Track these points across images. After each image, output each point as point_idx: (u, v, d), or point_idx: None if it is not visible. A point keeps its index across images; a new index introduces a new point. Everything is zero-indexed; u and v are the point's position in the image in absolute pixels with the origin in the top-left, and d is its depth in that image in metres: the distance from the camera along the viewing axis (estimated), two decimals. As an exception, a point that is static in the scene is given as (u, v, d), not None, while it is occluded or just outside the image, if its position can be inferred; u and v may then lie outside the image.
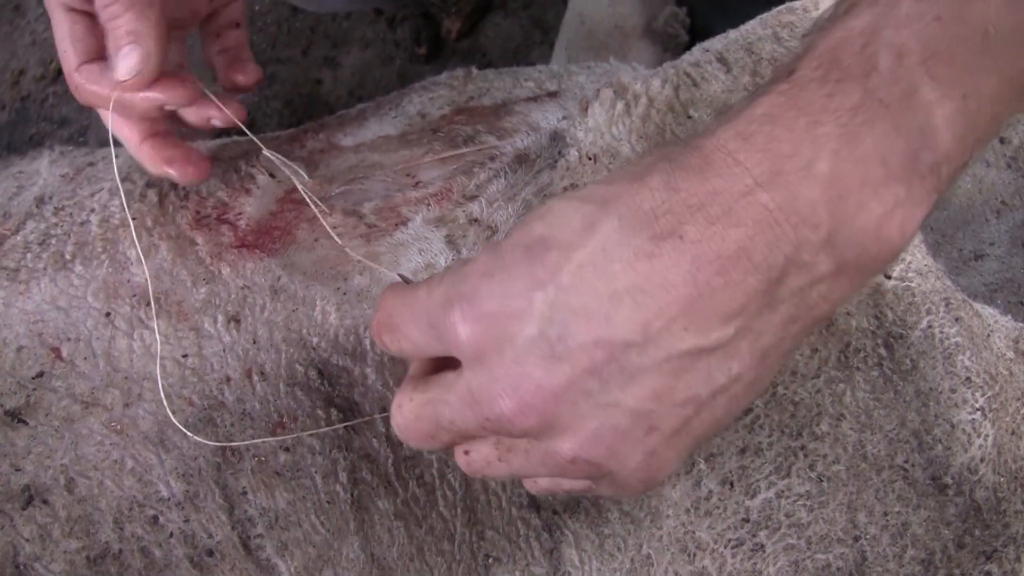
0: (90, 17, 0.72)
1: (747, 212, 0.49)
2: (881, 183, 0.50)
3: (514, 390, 0.50)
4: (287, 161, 0.76)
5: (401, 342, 0.56)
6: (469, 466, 0.58)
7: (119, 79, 0.69)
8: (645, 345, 0.49)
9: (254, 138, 0.76)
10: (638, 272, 0.49)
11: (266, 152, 0.76)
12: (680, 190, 0.50)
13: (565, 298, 0.49)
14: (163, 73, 0.71)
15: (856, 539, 0.68)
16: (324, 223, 0.72)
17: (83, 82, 0.71)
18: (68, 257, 0.72)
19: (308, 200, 0.72)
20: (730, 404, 0.53)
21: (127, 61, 0.69)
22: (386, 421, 0.67)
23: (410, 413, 0.56)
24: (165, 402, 0.65)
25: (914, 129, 0.50)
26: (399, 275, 0.62)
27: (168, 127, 0.75)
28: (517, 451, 0.55)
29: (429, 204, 0.74)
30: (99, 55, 0.72)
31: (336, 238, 0.71)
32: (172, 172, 0.73)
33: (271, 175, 0.76)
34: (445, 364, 0.55)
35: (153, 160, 0.73)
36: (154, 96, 0.71)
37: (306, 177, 0.76)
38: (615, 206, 0.51)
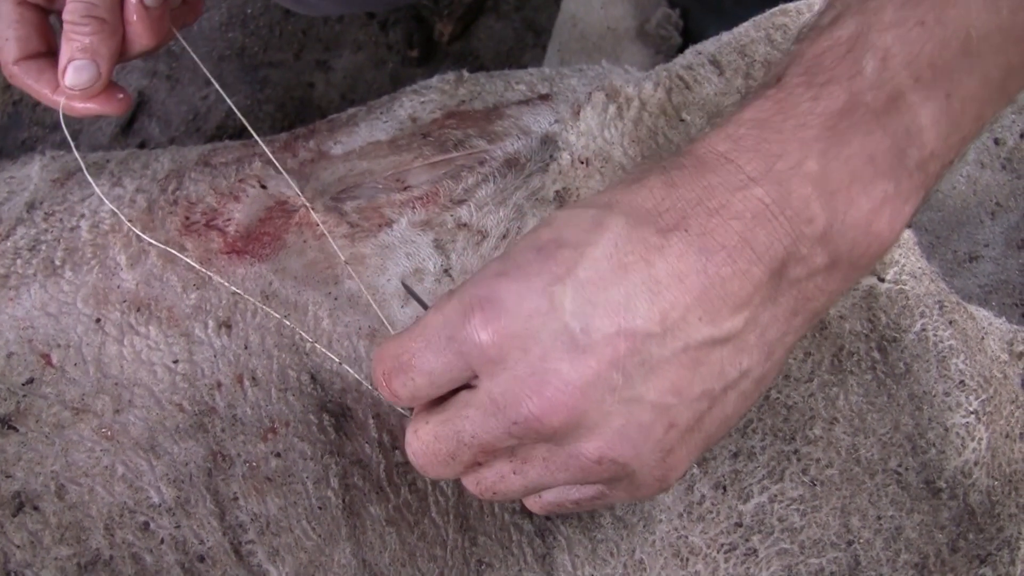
0: (41, 12, 0.74)
1: (744, 205, 0.51)
2: (870, 180, 0.52)
3: (541, 387, 0.51)
4: (292, 183, 0.75)
5: (416, 379, 0.54)
6: (480, 485, 0.57)
7: (66, 86, 0.71)
8: (664, 336, 0.51)
9: (263, 145, 0.76)
10: (651, 264, 0.50)
11: (269, 155, 0.75)
12: (678, 186, 0.52)
13: (584, 292, 0.50)
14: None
15: (849, 543, 0.68)
16: (330, 240, 0.72)
17: (20, 74, 0.73)
18: (58, 263, 0.71)
19: (315, 219, 0.72)
20: (739, 401, 0.55)
21: (80, 75, 0.71)
22: (378, 426, 0.67)
23: (428, 435, 0.55)
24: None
25: (900, 129, 0.52)
26: (403, 283, 0.62)
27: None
28: (534, 461, 0.55)
29: (415, 207, 0.74)
30: (39, 52, 0.74)
31: (339, 252, 0.71)
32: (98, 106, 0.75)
33: (262, 187, 0.76)
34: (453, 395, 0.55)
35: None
36: (92, 108, 0.74)
37: (298, 192, 0.76)
38: (619, 207, 0.52)
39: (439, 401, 0.56)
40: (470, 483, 0.58)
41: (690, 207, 0.51)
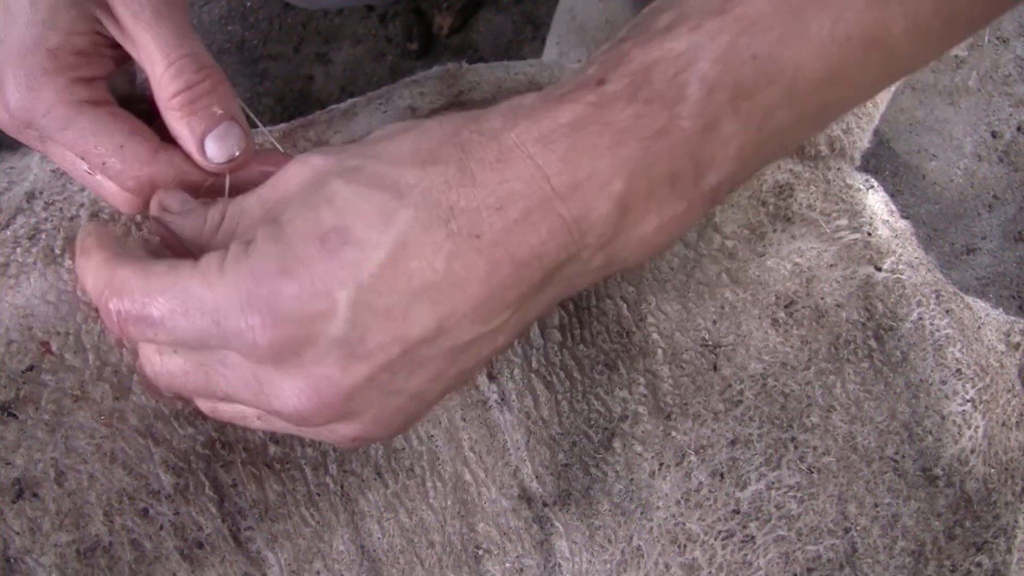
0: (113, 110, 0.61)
1: (544, 220, 0.50)
2: (665, 200, 0.52)
3: (312, 393, 0.51)
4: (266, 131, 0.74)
5: (160, 335, 0.53)
6: (215, 413, 0.58)
7: (213, 163, 0.60)
8: (436, 338, 0.51)
9: (267, 133, 0.76)
10: (436, 271, 0.50)
11: (275, 144, 0.75)
12: (477, 184, 0.51)
13: (366, 298, 0.50)
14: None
15: (846, 531, 0.68)
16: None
17: (168, 169, 0.60)
18: (58, 251, 0.71)
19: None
20: (480, 362, 0.56)
21: (226, 142, 0.60)
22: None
23: (175, 367, 0.55)
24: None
25: (706, 156, 0.52)
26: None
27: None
28: (283, 423, 0.56)
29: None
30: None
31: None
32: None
33: None
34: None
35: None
36: (260, 170, 0.62)
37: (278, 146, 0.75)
38: (409, 197, 0.50)
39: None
40: (204, 406, 0.58)
41: (486, 212, 0.50)
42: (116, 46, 0.61)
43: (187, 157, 0.60)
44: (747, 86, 0.51)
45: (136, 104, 0.65)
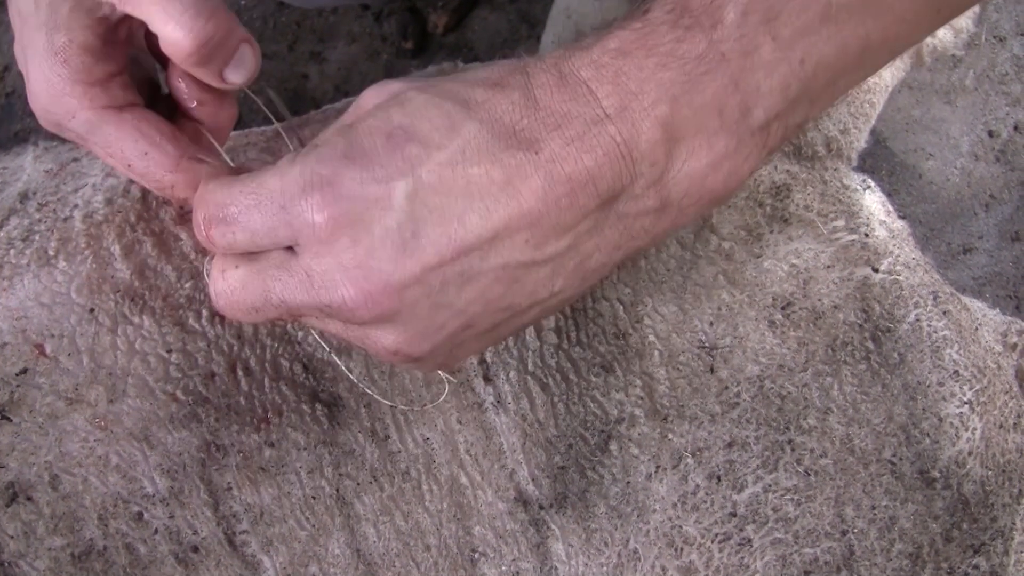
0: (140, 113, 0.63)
1: (598, 141, 0.52)
2: (714, 132, 0.53)
3: (361, 280, 0.52)
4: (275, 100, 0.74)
5: (237, 234, 0.55)
6: (287, 312, 0.58)
7: (238, 81, 0.61)
8: (488, 251, 0.52)
9: (280, 127, 0.76)
10: (493, 180, 0.51)
11: (285, 136, 0.75)
12: (538, 107, 0.52)
13: (424, 195, 0.51)
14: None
15: (844, 533, 0.68)
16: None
17: (189, 180, 0.62)
18: (51, 253, 0.71)
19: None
20: (539, 314, 0.57)
21: (243, 65, 0.61)
22: (370, 416, 0.67)
23: (235, 280, 0.56)
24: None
25: (751, 86, 0.53)
26: (269, 93, 0.62)
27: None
28: (336, 326, 0.56)
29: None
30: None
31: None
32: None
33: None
34: None
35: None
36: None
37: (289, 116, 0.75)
38: (477, 111, 0.52)
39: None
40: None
41: (546, 131, 0.52)
42: (122, 28, 0.62)
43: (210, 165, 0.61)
44: (781, 12, 0.52)
45: (157, 98, 0.67)
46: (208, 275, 0.58)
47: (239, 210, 0.54)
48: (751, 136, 0.54)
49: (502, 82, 0.54)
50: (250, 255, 0.56)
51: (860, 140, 0.83)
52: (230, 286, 0.56)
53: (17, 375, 0.67)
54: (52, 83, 0.59)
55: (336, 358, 0.68)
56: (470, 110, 0.52)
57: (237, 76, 0.61)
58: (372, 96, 0.57)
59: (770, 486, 0.68)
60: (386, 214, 0.51)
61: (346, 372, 0.68)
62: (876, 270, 0.73)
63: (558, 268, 0.54)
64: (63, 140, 0.75)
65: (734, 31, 0.52)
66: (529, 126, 0.52)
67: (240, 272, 0.55)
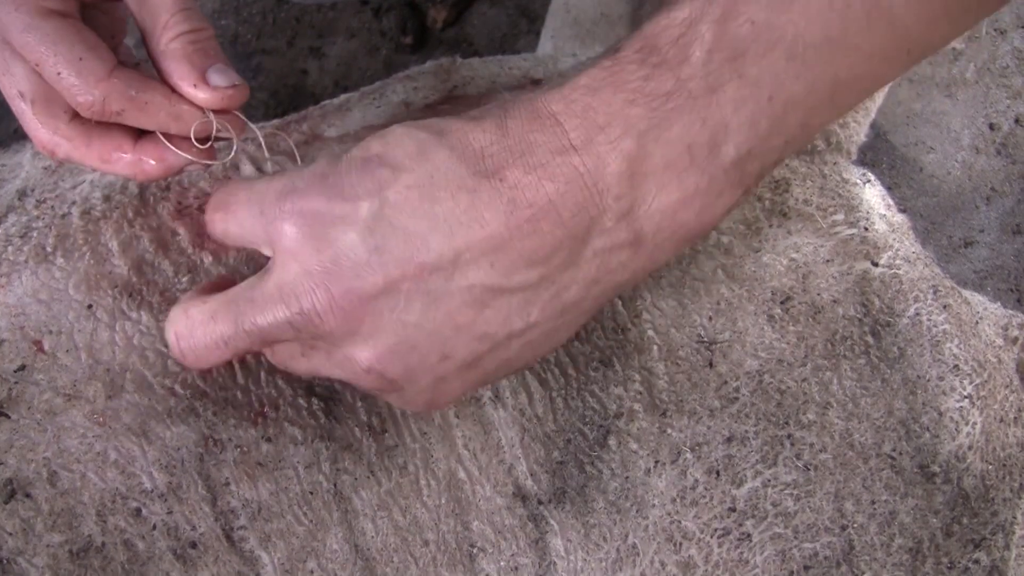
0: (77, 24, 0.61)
1: (561, 170, 0.53)
2: (683, 169, 0.54)
3: (325, 285, 0.54)
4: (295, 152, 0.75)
5: (229, 223, 0.59)
6: (274, 356, 0.62)
7: (221, 85, 0.61)
8: (452, 271, 0.54)
9: (255, 128, 0.75)
10: (458, 204, 0.53)
11: (260, 136, 0.74)
12: (507, 135, 0.54)
13: (389, 213, 0.53)
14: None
15: (843, 528, 0.68)
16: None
17: (122, 86, 0.60)
18: (49, 250, 0.71)
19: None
20: (524, 349, 0.58)
21: (227, 73, 0.62)
22: (367, 410, 0.67)
23: (202, 313, 0.58)
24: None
25: (718, 123, 0.54)
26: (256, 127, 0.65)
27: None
28: (318, 351, 0.58)
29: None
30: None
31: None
32: (181, 160, 0.64)
33: (259, 169, 0.76)
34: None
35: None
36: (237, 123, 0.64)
37: (290, 142, 0.76)
38: (448, 138, 0.55)
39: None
40: (268, 352, 0.62)
41: (512, 158, 0.54)
42: None
43: (143, 83, 0.61)
44: (747, 51, 0.53)
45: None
46: (166, 323, 0.61)
47: (235, 202, 0.59)
48: (723, 173, 0.55)
49: (480, 115, 0.56)
50: (214, 292, 0.59)
51: (860, 134, 0.83)
52: (195, 322, 0.58)
53: (15, 372, 0.67)
54: None
55: None
56: (442, 138, 0.55)
57: (219, 77, 0.62)
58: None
59: (769, 481, 0.68)
60: (350, 228, 0.54)
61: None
62: (876, 264, 0.73)
63: (531, 298, 0.56)
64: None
65: (700, 69, 0.53)
66: (496, 153, 0.54)
67: (208, 306, 0.58)
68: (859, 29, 0.54)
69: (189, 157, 0.64)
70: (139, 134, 0.64)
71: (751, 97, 0.54)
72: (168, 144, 0.63)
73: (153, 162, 0.64)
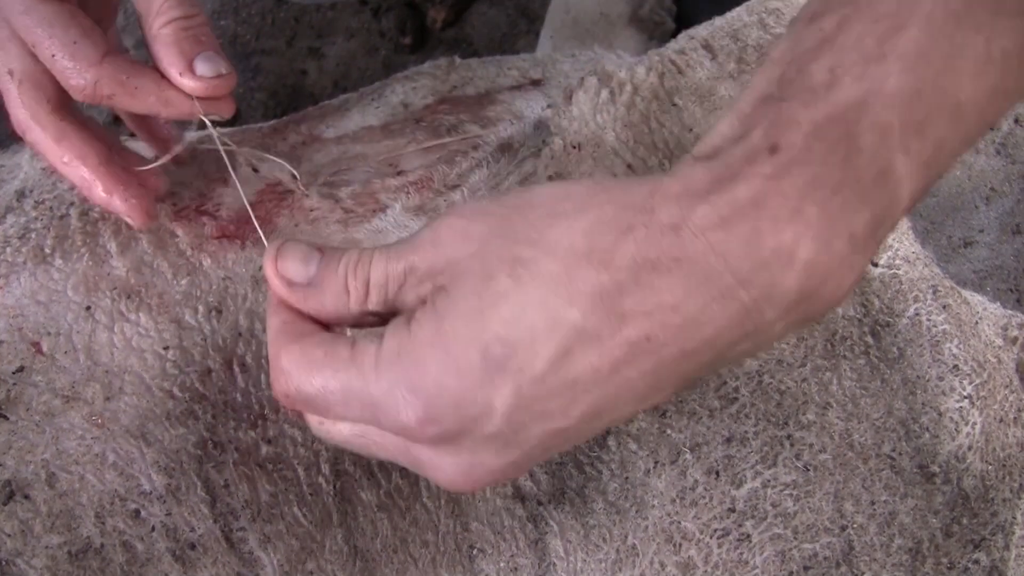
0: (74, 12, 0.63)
1: (722, 311, 0.47)
2: (847, 257, 0.48)
3: (467, 472, 0.52)
4: (285, 165, 0.74)
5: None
6: (318, 429, 0.56)
7: (206, 75, 0.62)
8: (591, 422, 0.51)
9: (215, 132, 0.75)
10: (600, 373, 0.48)
11: (215, 139, 0.73)
12: (654, 289, 0.47)
13: (525, 403, 0.49)
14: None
15: (843, 528, 0.68)
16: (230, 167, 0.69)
17: (112, 71, 0.62)
18: (48, 251, 0.71)
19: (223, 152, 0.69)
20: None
21: (214, 62, 0.63)
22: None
23: (339, 436, 0.55)
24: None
25: (883, 203, 0.49)
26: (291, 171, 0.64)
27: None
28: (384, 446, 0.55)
29: (408, 192, 0.74)
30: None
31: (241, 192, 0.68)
32: (122, 204, 0.67)
33: (254, 170, 0.75)
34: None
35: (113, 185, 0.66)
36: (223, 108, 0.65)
37: (291, 169, 0.75)
38: (580, 303, 0.48)
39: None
40: (311, 421, 0.56)
41: (660, 314, 0.47)
42: None
43: (134, 69, 0.62)
44: (915, 124, 0.48)
45: None
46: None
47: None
48: (875, 246, 0.51)
49: (608, 258, 0.48)
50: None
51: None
52: (331, 437, 0.56)
53: (14, 373, 0.67)
54: None
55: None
56: (572, 303, 0.48)
57: (205, 66, 0.62)
58: (452, 242, 0.52)
59: (769, 481, 0.67)
60: (487, 424, 0.49)
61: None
62: (875, 264, 0.73)
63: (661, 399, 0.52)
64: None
65: (871, 155, 0.48)
66: (640, 311, 0.48)
67: (344, 428, 0.55)
68: (1015, 74, 0.51)
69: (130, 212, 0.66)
70: (107, 159, 0.65)
71: (915, 172, 0.49)
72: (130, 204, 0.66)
73: (102, 193, 0.66)
